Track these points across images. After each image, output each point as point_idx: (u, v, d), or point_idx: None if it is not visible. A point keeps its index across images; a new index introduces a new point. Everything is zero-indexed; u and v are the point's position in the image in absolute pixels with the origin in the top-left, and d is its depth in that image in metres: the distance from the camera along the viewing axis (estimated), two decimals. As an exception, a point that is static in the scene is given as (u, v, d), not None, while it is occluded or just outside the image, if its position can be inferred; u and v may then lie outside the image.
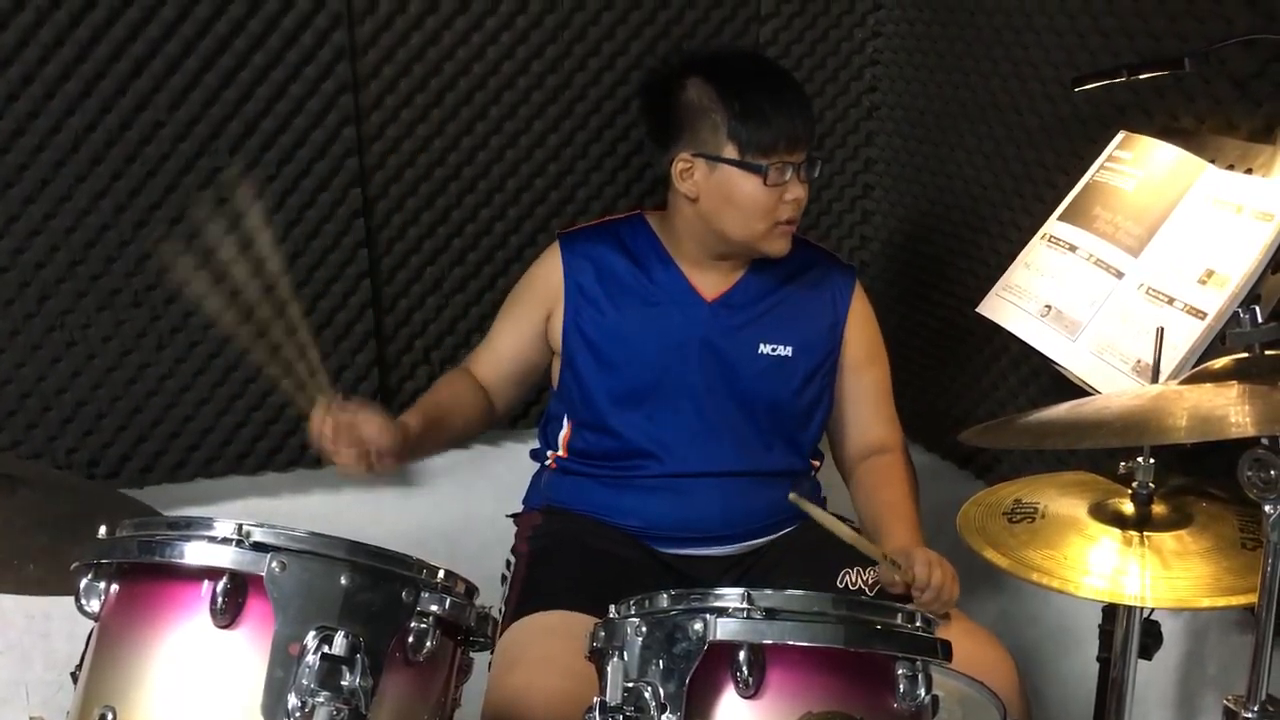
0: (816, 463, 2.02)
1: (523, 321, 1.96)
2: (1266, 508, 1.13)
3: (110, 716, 1.09)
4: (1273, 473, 1.11)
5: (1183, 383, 1.24)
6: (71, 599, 1.18)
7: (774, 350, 1.90)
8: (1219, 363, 1.22)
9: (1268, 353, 1.19)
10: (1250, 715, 1.18)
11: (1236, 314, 1.20)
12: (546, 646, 1.62)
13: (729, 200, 1.79)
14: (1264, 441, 1.12)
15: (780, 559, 1.89)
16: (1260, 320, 1.19)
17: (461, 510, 2.30)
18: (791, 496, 1.66)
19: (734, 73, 1.82)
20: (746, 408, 1.90)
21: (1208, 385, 1.20)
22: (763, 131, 1.76)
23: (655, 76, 1.97)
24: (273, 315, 1.67)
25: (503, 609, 1.80)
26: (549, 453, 1.99)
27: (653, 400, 1.89)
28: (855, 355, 1.96)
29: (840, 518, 1.72)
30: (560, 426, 1.97)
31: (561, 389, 1.96)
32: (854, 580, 1.77)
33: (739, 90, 1.78)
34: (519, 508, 2.04)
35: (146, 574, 1.15)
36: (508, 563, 1.91)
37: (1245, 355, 1.20)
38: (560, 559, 1.84)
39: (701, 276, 1.91)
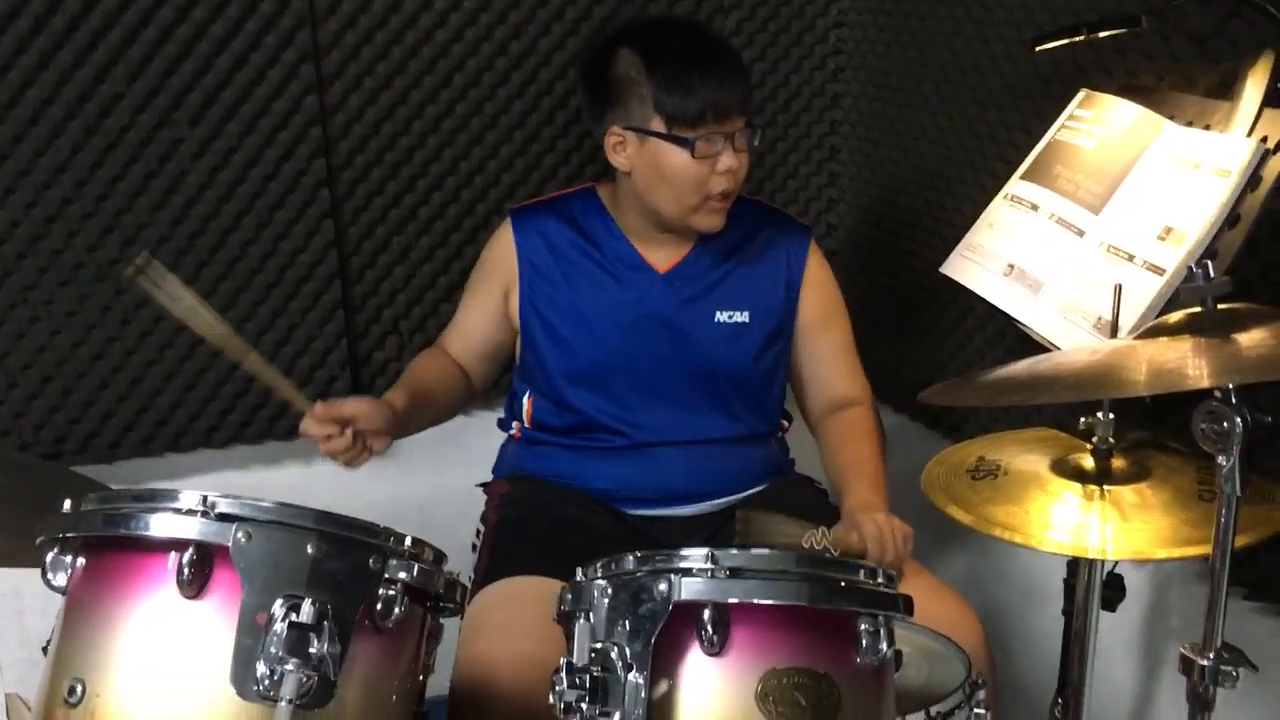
0: (785, 424, 2.03)
1: (485, 301, 1.97)
2: (1220, 459, 1.15)
3: (79, 688, 1.10)
4: (1225, 424, 1.13)
5: (1138, 338, 1.26)
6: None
7: (730, 317, 1.90)
8: (1173, 317, 1.24)
9: (1220, 307, 1.20)
10: (1206, 663, 1.21)
11: (1190, 269, 1.21)
12: (512, 612, 1.64)
13: (660, 174, 1.78)
14: (1217, 394, 1.14)
15: (748, 519, 1.90)
16: (1212, 275, 1.20)
17: (433, 480, 2.30)
18: (738, 514, 1.62)
19: (662, 43, 1.78)
20: (706, 377, 1.90)
21: (1162, 340, 1.21)
22: (688, 103, 1.73)
23: (589, 48, 1.93)
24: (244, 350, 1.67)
25: (472, 576, 1.82)
26: (514, 423, 2.00)
27: (611, 378, 1.89)
28: (813, 315, 1.96)
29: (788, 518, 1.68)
30: (523, 401, 1.98)
31: (523, 365, 1.97)
32: (819, 540, 1.79)
33: (665, 61, 1.75)
34: (490, 477, 2.05)
35: (113, 547, 1.16)
36: (477, 531, 1.92)
37: (1198, 310, 1.21)
38: (526, 526, 1.85)
39: (652, 249, 1.90)
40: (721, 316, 1.90)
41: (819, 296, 1.97)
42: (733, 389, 1.92)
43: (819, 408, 1.98)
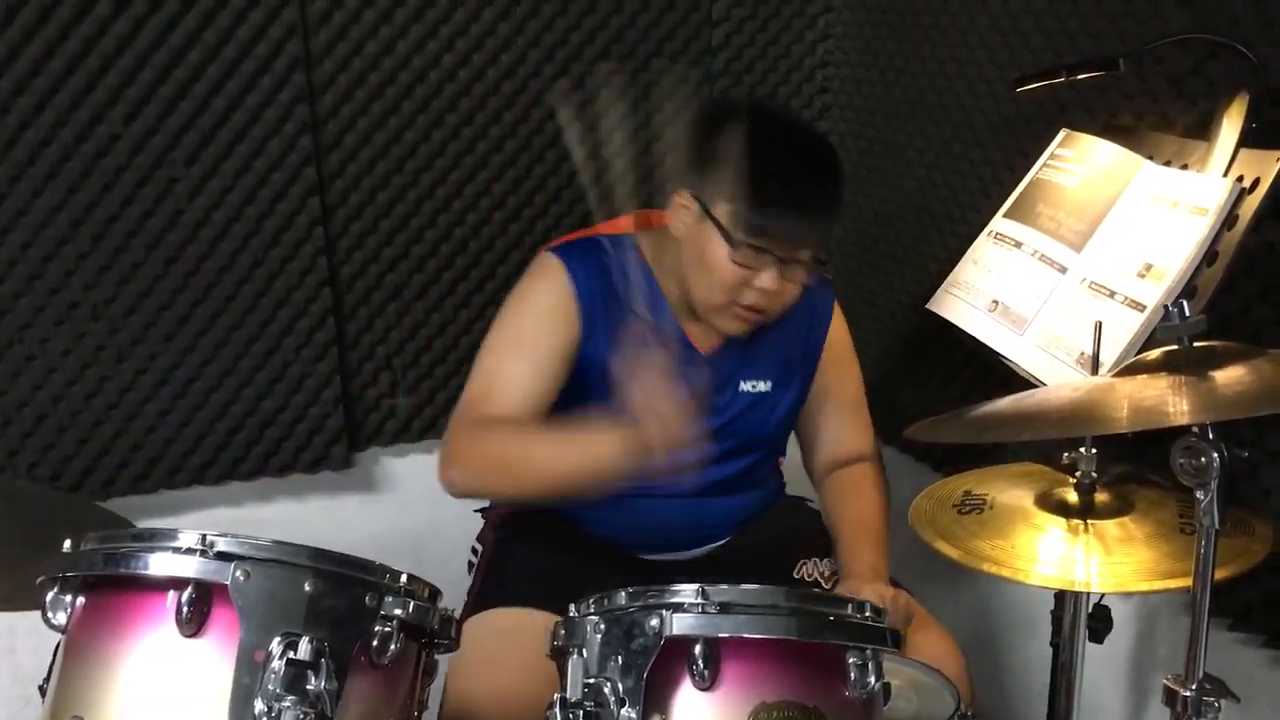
0: (782, 458, 2.03)
1: (546, 354, 1.75)
2: (1198, 494, 1.17)
3: (79, 727, 1.11)
4: (1203, 460, 1.15)
5: (1117, 375, 1.28)
6: (35, 613, 1.19)
7: (754, 387, 1.84)
8: (1151, 355, 1.26)
9: (1196, 344, 1.23)
10: (1188, 694, 1.23)
11: (1166, 308, 1.24)
12: (499, 646, 1.63)
13: (700, 258, 1.68)
14: (1194, 430, 1.16)
15: (741, 553, 1.90)
16: (1188, 314, 1.22)
17: (427, 514, 2.31)
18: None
19: (773, 140, 1.67)
20: (721, 440, 1.82)
21: (1141, 377, 1.23)
22: (757, 208, 1.63)
23: (714, 104, 1.84)
24: None
25: (465, 598, 1.81)
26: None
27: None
28: (832, 373, 1.92)
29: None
30: None
31: None
32: (810, 571, 1.80)
33: (765, 158, 1.63)
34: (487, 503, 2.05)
35: (112, 586, 1.17)
36: (474, 549, 1.91)
37: (1175, 348, 1.24)
38: (522, 553, 1.83)
39: (693, 324, 1.80)
40: (745, 386, 1.84)
41: (836, 353, 1.92)
42: (744, 447, 1.87)
43: (825, 462, 1.94)
